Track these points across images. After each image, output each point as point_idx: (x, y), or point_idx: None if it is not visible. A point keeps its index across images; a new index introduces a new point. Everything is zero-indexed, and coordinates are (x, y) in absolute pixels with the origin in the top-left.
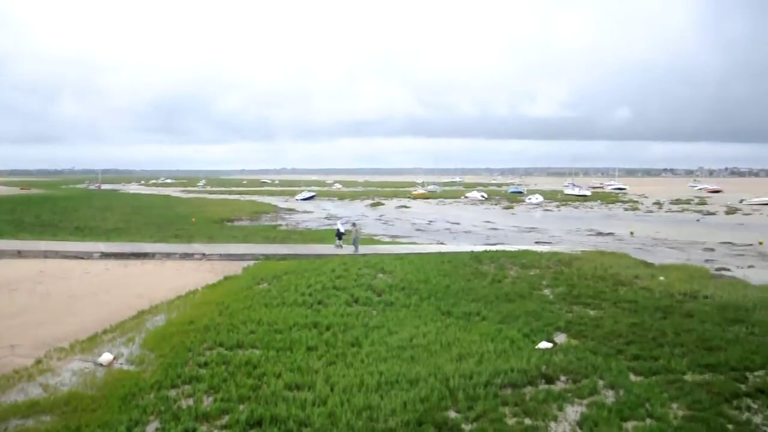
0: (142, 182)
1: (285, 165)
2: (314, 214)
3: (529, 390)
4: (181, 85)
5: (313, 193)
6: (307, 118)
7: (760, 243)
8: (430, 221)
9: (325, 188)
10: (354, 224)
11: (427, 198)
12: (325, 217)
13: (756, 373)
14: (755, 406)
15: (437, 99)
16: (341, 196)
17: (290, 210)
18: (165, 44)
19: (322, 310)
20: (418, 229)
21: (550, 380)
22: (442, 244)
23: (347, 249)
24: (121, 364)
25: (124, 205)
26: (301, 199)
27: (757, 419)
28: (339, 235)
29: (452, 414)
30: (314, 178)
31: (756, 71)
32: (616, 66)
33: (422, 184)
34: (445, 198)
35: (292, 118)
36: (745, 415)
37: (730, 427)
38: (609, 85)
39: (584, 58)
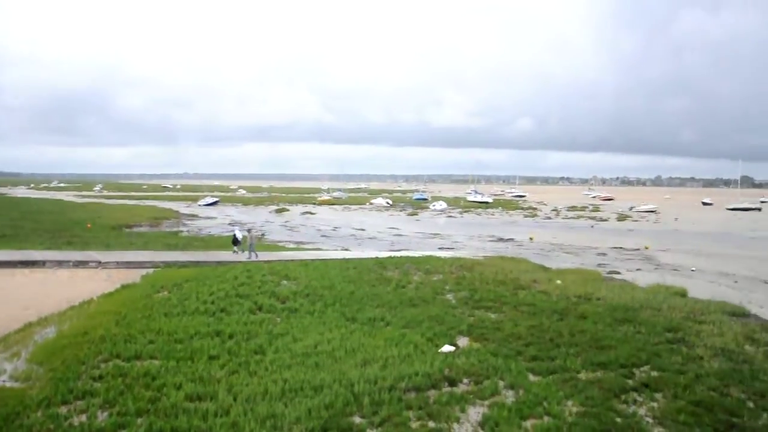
0: (32, 186)
1: (187, 169)
2: (217, 220)
3: (432, 393)
4: (79, 82)
5: (216, 199)
6: (213, 121)
7: (646, 248)
8: (336, 227)
9: (229, 194)
10: (249, 230)
11: (333, 204)
12: (229, 224)
13: (642, 369)
14: (640, 399)
15: (345, 105)
16: (245, 202)
17: (192, 216)
18: (62, 37)
19: (224, 318)
20: (323, 236)
21: (453, 383)
22: (347, 250)
23: (244, 255)
24: (3, 381)
25: (11, 210)
26: (204, 205)
27: (642, 411)
28: (235, 241)
29: (357, 419)
30: (218, 183)
31: (648, 88)
32: (520, 78)
33: (328, 191)
34: (351, 204)
35: (197, 121)
36: (632, 408)
37: (618, 420)
38: (513, 96)
39: (490, 69)
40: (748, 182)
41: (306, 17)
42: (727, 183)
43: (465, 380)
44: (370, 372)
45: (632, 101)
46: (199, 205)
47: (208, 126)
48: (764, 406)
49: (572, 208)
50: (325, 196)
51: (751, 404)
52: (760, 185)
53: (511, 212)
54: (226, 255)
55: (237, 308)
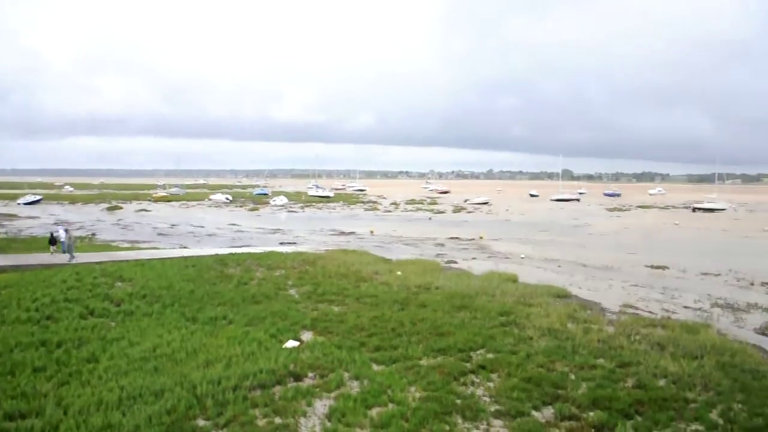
0: None
1: (4, 165)
2: (41, 219)
3: (278, 389)
4: None
5: (38, 197)
6: (32, 112)
7: (481, 237)
8: (173, 225)
9: (54, 191)
10: (67, 230)
11: (170, 201)
12: (54, 223)
13: (478, 352)
14: (478, 380)
15: (183, 98)
16: (73, 200)
17: (11, 216)
18: None
19: (51, 325)
20: (160, 234)
21: (298, 378)
22: (185, 248)
23: (65, 257)
24: None
25: None
26: (25, 204)
27: (480, 391)
28: (52, 241)
29: (201, 422)
30: (40, 179)
31: (480, 87)
32: (361, 74)
33: (164, 187)
34: (189, 201)
35: (13, 112)
36: (471, 389)
37: (458, 401)
38: (354, 92)
39: (331, 64)
40: (568, 175)
41: (138, 4)
42: (551, 176)
43: (310, 374)
44: (213, 372)
45: (466, 98)
46: (19, 204)
47: (26, 118)
48: (583, 376)
49: (411, 202)
50: (161, 193)
51: (573, 376)
52: (578, 178)
53: (352, 206)
54: (52, 257)
55: (66, 314)
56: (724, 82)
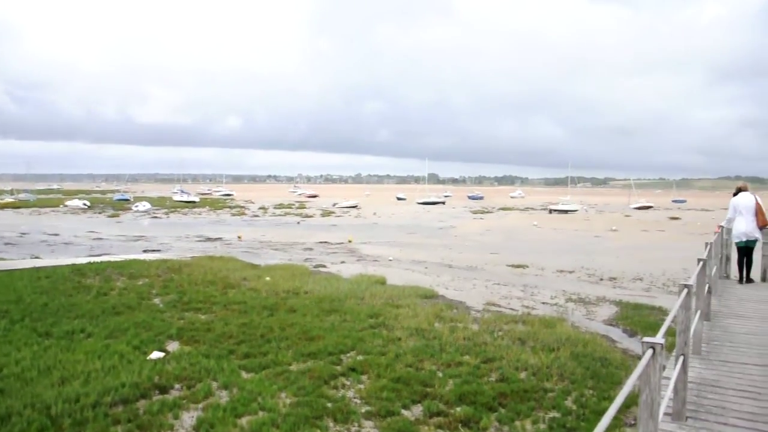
0: None
1: None
2: None
3: (142, 403)
4: None
5: None
6: None
7: (350, 241)
8: (23, 233)
9: None
10: None
11: (18, 207)
12: None
13: (348, 355)
14: (348, 383)
15: (33, 96)
16: None
17: None
18: None
19: None
20: (6, 243)
21: (164, 390)
22: (37, 258)
23: None
24: None
25: None
26: None
27: (350, 394)
28: None
29: None
30: None
31: (348, 92)
32: (228, 76)
33: (11, 192)
34: (41, 207)
35: None
36: (341, 392)
37: (329, 405)
38: (221, 94)
39: (198, 66)
40: (434, 179)
41: None
42: (417, 180)
43: (177, 386)
44: (69, 390)
45: (334, 103)
46: None
47: None
48: (450, 373)
49: (279, 206)
50: (8, 199)
51: (440, 374)
52: (444, 181)
53: (219, 211)
54: None
55: None
56: (573, 93)
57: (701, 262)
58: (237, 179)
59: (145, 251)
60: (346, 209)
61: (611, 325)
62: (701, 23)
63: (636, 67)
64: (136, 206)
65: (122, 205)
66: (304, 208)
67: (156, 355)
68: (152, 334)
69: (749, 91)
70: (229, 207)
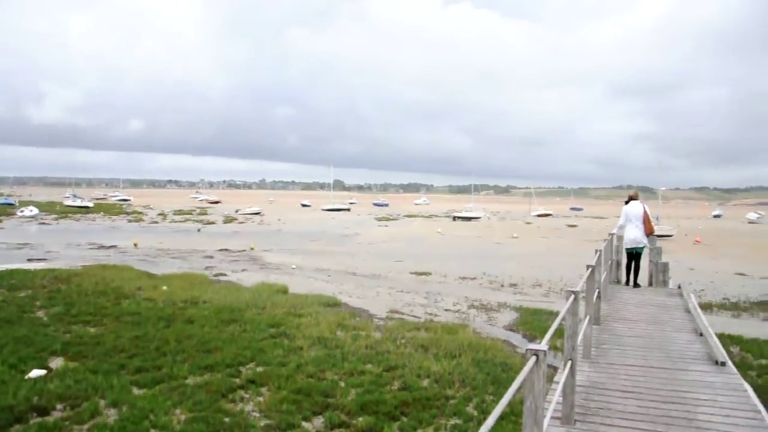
0: None
1: None
2: None
3: (16, 429)
4: None
5: None
6: None
7: (252, 248)
8: None
9: None
10: None
11: None
12: None
13: (248, 366)
14: (247, 396)
15: None
16: None
17: None
18: None
19: None
20: None
21: (43, 412)
22: None
23: None
24: None
25: None
26: None
27: (249, 407)
28: None
29: None
30: None
31: (256, 95)
32: (131, 77)
33: None
34: None
35: None
36: (240, 406)
37: (227, 419)
38: (123, 95)
39: (100, 66)
40: (340, 186)
41: None
42: (322, 186)
43: (59, 406)
44: None
45: (242, 107)
46: None
47: None
48: (353, 383)
49: (179, 212)
50: None
51: (342, 383)
52: (349, 188)
53: (114, 217)
54: None
55: None
56: (483, 103)
57: (590, 269)
58: (136, 184)
59: (29, 260)
60: (249, 216)
61: (512, 330)
62: (601, 41)
63: (543, 80)
64: (22, 211)
65: (5, 209)
66: (206, 214)
67: (36, 373)
68: (33, 350)
69: (642, 107)
70: (126, 213)
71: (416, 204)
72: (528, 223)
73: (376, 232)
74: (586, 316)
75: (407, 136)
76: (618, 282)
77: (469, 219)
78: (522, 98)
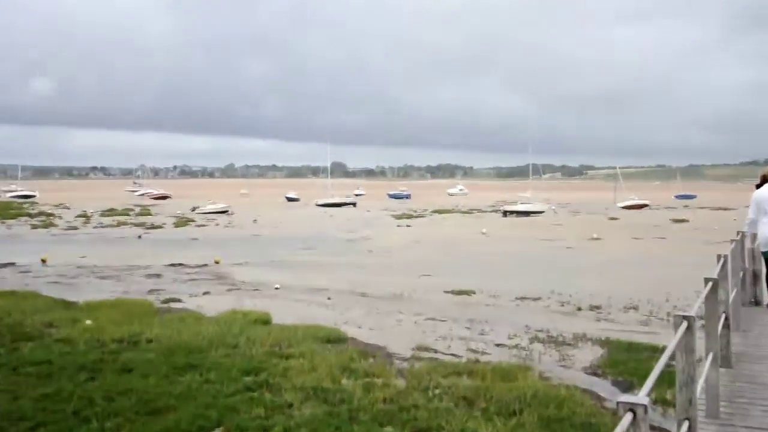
0: None
1: None
2: None
3: None
4: None
5: None
6: None
7: (217, 262)
8: None
9: None
10: None
11: None
12: None
13: None
14: None
15: None
16: None
17: None
18: None
19: None
20: None
21: None
22: None
23: None
24: None
25: None
26: None
27: None
28: None
29: None
30: None
31: (216, 44)
32: (38, 21)
33: None
34: None
35: None
36: None
37: None
38: (25, 47)
39: None
40: (340, 170)
41: None
42: (316, 171)
43: None
44: None
45: (197, 61)
46: None
47: None
48: None
49: (110, 212)
50: None
51: None
52: (354, 174)
53: (11, 222)
54: None
55: None
56: (538, 48)
57: (710, 283)
58: (43, 173)
59: None
60: (212, 216)
61: (596, 374)
62: None
63: (626, 12)
64: None
65: None
66: (149, 214)
67: None
68: None
69: None
70: (29, 215)
71: (450, 194)
72: (613, 218)
73: (394, 235)
74: (708, 354)
75: (433, 98)
76: (756, 303)
77: (526, 214)
78: (596, 38)
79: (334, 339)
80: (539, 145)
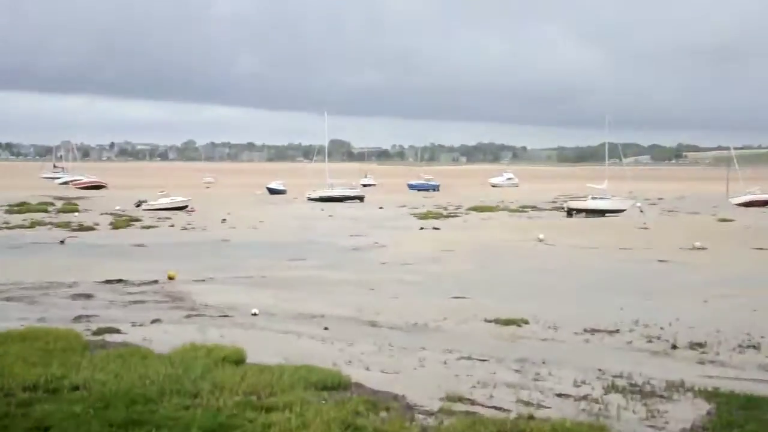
0: None
1: None
2: None
3: None
4: None
5: None
6: None
7: (171, 277)
8: None
9: None
10: None
11: None
12: None
13: None
14: None
15: None
16: None
17: None
18: None
19: None
20: None
21: None
22: None
23: None
24: None
25: None
26: None
27: None
28: None
29: None
30: None
31: None
32: None
33: None
34: None
35: None
36: None
37: None
38: None
39: None
40: (342, 150)
41: None
42: (307, 153)
43: None
44: None
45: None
46: None
47: None
48: None
49: (19, 207)
50: None
51: None
52: (360, 155)
53: None
54: None
55: None
56: None
57: None
58: None
59: None
60: (164, 213)
61: None
62: None
63: None
64: None
65: None
66: (77, 211)
67: None
68: None
69: None
70: None
71: (494, 185)
72: (724, 219)
73: (416, 241)
74: None
75: (471, 52)
76: None
77: (601, 213)
78: None
79: (333, 385)
80: (620, 118)
